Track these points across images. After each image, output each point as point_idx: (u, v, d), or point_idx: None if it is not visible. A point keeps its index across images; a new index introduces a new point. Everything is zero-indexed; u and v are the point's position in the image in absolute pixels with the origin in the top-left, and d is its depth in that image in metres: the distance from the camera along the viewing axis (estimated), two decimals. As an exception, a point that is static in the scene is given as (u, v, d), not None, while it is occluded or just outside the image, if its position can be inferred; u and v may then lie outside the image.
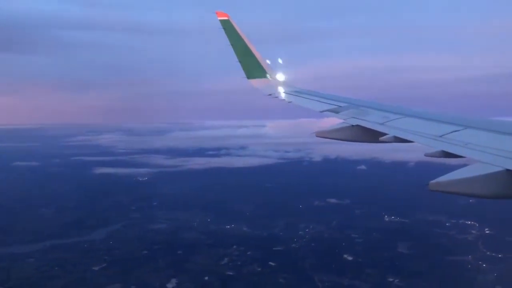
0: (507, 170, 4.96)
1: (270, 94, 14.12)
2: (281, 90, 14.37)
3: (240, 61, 14.92)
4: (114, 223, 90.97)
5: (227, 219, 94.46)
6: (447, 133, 6.98)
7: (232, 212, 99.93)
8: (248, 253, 73.70)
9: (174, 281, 61.57)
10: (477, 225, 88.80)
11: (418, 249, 75.85)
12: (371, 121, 8.85)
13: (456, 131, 7.03)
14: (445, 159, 6.28)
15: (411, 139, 7.24)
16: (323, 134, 9.35)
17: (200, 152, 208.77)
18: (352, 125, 8.91)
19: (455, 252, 74.21)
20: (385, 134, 7.72)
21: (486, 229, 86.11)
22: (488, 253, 73.95)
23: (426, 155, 6.44)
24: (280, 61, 15.73)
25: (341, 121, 9.42)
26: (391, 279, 63.18)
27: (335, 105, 11.02)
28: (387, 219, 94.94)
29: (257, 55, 15.16)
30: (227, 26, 14.45)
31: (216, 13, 14.43)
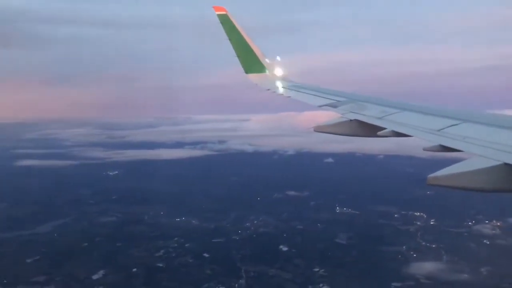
0: (505, 164, 4.96)
1: (268, 89, 14.01)
2: (279, 85, 14.28)
3: (238, 56, 14.76)
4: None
5: (180, 212, 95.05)
6: (445, 127, 6.96)
7: (188, 205, 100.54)
8: (187, 245, 74.43)
9: (101, 272, 62.31)
10: (425, 216, 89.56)
11: (356, 240, 76.55)
12: (369, 115, 8.81)
13: (454, 125, 7.01)
14: (437, 153, 6.27)
15: (409, 133, 7.23)
16: (321, 129, 9.29)
17: (167, 145, 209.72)
18: (351, 120, 8.89)
19: (392, 242, 74.94)
20: (383, 128, 7.71)
21: (431, 220, 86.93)
22: (424, 243, 74.81)
23: (425, 149, 6.41)
24: (278, 58, 15.77)
25: (339, 115, 9.44)
26: (316, 269, 63.87)
27: (334, 99, 10.99)
28: (338, 211, 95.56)
29: (256, 49, 15.01)
30: (224, 20, 14.21)
31: (214, 7, 14.26)
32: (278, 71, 15.36)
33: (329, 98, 11.22)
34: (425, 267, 64.08)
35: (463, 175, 5.00)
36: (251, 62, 15.03)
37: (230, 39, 14.38)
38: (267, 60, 15.41)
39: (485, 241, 75.28)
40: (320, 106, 10.75)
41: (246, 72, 15.18)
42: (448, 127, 6.98)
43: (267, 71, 15.27)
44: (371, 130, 8.23)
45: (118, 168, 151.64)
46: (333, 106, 10.43)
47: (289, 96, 12.80)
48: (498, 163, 5.00)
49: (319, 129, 9.30)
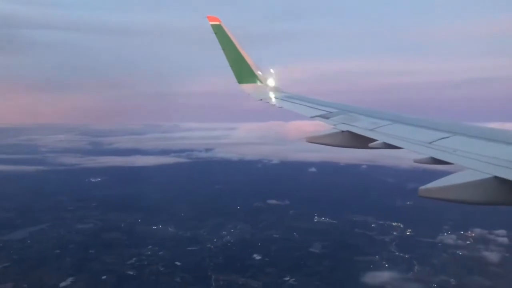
0: (495, 177, 4.97)
1: (261, 99, 13.97)
2: (272, 95, 14.27)
3: (231, 66, 14.78)
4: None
5: (158, 219, 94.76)
6: (436, 140, 6.96)
7: (167, 213, 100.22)
8: (160, 253, 74.19)
9: (69, 280, 61.91)
10: (402, 226, 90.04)
11: (330, 249, 76.80)
12: (360, 127, 8.80)
13: (445, 137, 7.03)
14: (430, 165, 6.26)
15: (400, 146, 7.18)
16: (313, 140, 9.19)
17: (153, 152, 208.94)
18: (342, 131, 8.85)
19: (366, 252, 75.26)
20: (374, 140, 7.72)
21: (408, 231, 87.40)
22: (397, 253, 75.22)
23: (415, 161, 6.40)
24: (272, 71, 15.82)
25: (331, 126, 9.39)
26: (287, 278, 63.96)
27: (326, 110, 11.01)
28: (316, 220, 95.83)
29: (249, 60, 15.08)
30: (218, 31, 14.25)
31: (208, 17, 14.25)
32: (271, 82, 15.48)
33: (321, 109, 11.28)
34: (393, 277, 64.42)
35: (454, 188, 5.05)
36: (244, 73, 15.14)
37: (223, 49, 14.47)
38: (259, 72, 15.58)
39: (458, 251, 75.85)
40: (312, 117, 10.82)
41: (239, 82, 15.24)
42: (439, 139, 7.00)
43: (259, 81, 15.37)
44: (362, 142, 8.26)
45: (101, 174, 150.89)
46: (325, 117, 10.47)
47: (281, 107, 12.84)
48: (488, 176, 5.03)
49: (311, 140, 9.25)
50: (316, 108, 11.50)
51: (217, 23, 14.33)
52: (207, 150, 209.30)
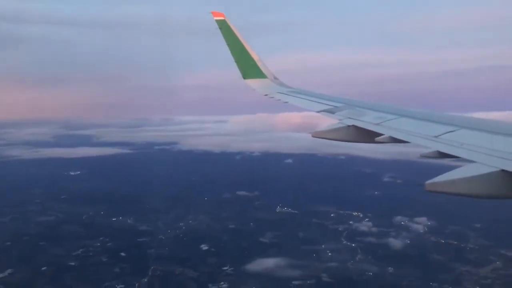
0: (502, 170, 5.00)
1: (266, 94, 14.08)
2: (277, 90, 14.37)
3: (236, 61, 14.89)
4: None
5: (121, 211, 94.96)
6: (442, 134, 7.01)
7: (133, 205, 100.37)
8: (109, 244, 74.51)
9: (8, 271, 62.42)
10: (361, 216, 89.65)
11: (280, 238, 76.71)
12: (366, 121, 8.85)
13: (451, 131, 7.07)
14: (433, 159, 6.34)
15: (407, 140, 7.24)
16: (319, 135, 9.23)
17: (137, 146, 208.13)
18: (348, 126, 8.87)
19: (315, 241, 75.13)
20: (381, 134, 7.76)
21: (365, 220, 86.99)
22: (345, 242, 74.93)
23: (422, 155, 6.43)
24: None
25: (337, 121, 9.44)
26: (225, 268, 64.11)
27: (331, 105, 11.07)
28: (278, 210, 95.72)
29: (253, 55, 15.12)
30: (223, 26, 14.35)
31: (212, 13, 14.33)
32: (276, 77, 15.58)
33: (326, 104, 11.31)
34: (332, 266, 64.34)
35: (461, 182, 5.04)
36: (249, 68, 15.14)
37: (228, 45, 14.51)
38: (264, 67, 15.56)
39: (407, 240, 75.35)
40: (318, 112, 10.84)
41: (244, 77, 15.22)
42: (445, 133, 7.01)
43: (265, 76, 15.39)
44: (368, 136, 8.26)
45: (81, 168, 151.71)
46: (331, 111, 10.48)
47: (287, 102, 12.88)
48: (495, 169, 5.04)
49: (317, 135, 9.27)
50: (322, 103, 11.55)
51: (222, 18, 14.37)
52: (191, 143, 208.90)
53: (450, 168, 5.35)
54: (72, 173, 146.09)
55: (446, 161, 6.08)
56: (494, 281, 59.87)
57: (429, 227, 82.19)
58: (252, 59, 15.15)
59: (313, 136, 9.27)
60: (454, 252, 70.77)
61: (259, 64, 15.31)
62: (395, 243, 74.08)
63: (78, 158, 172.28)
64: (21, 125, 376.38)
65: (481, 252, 69.60)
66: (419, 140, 7.09)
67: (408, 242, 74.65)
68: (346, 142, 9.11)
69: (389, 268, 63.91)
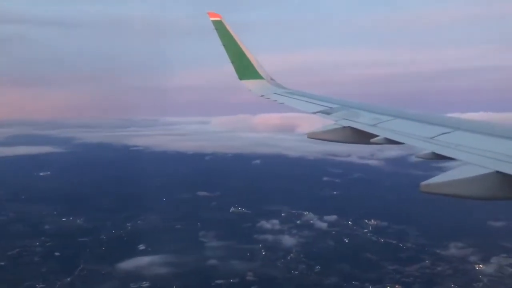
0: (497, 171, 5.01)
1: (262, 95, 14.10)
2: (273, 91, 14.38)
3: (232, 62, 14.86)
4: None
5: (73, 211, 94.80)
6: (438, 135, 7.02)
7: (88, 205, 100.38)
8: (48, 244, 74.53)
9: None
10: (311, 215, 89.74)
11: (220, 238, 76.85)
12: (362, 122, 8.91)
13: (446, 133, 7.09)
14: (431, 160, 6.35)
15: (402, 141, 7.29)
16: (315, 135, 9.24)
17: (114, 147, 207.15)
18: (344, 127, 8.93)
19: (253, 240, 75.38)
20: (376, 135, 7.81)
21: (313, 220, 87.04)
22: (284, 241, 75.01)
23: (417, 156, 6.43)
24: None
25: (333, 122, 9.48)
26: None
27: (327, 106, 11.10)
28: (231, 210, 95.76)
29: (250, 56, 15.10)
30: (219, 27, 14.32)
31: (208, 13, 14.31)
32: (272, 78, 15.60)
33: (322, 105, 11.35)
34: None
35: (455, 183, 5.04)
36: (246, 69, 15.12)
37: (224, 46, 14.48)
38: (260, 68, 15.55)
39: (345, 239, 75.43)
40: (313, 113, 10.87)
41: (240, 78, 15.19)
42: (440, 134, 7.02)
43: (261, 77, 15.38)
44: (364, 137, 8.29)
45: (50, 168, 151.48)
46: (326, 112, 10.52)
47: (283, 103, 12.91)
48: (490, 171, 5.05)
49: (313, 136, 9.28)
50: (317, 104, 11.60)
51: (218, 19, 14.32)
52: (168, 144, 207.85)
53: (445, 169, 5.41)
54: (41, 174, 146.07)
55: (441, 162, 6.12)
56: (415, 280, 59.83)
57: (374, 226, 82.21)
58: (248, 60, 15.13)
59: (309, 137, 9.29)
60: (391, 251, 70.78)
61: (255, 65, 15.31)
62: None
63: (46, 155, 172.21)
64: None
65: (415, 251, 69.64)
66: (415, 141, 7.11)
67: (346, 241, 74.72)
68: (339, 143, 9.14)
69: (317, 267, 64.01)
